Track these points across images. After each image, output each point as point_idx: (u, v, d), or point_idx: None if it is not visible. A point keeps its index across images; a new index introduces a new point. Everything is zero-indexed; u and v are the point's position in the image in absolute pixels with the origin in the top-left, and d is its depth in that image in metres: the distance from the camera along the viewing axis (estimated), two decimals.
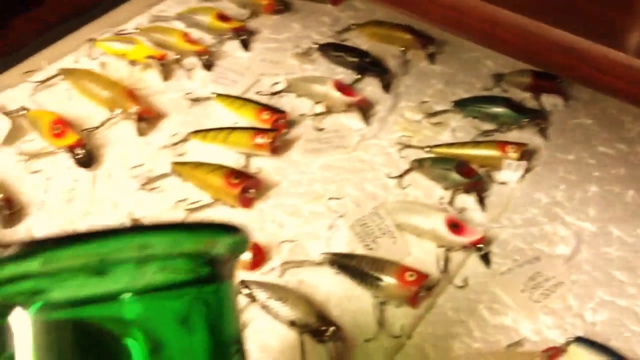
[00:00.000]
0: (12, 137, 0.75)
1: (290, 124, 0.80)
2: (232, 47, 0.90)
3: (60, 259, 0.25)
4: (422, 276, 0.63)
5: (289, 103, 0.83)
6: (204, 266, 0.28)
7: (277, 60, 0.88)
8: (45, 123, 0.73)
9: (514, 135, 0.80)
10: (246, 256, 0.65)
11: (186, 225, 0.28)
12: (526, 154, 0.75)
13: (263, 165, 0.76)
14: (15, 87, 0.81)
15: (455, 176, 0.72)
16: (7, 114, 0.75)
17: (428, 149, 0.77)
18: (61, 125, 0.73)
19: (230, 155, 0.76)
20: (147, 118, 0.77)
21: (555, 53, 0.45)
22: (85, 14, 0.89)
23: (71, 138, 0.73)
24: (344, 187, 0.74)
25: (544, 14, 0.44)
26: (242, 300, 0.62)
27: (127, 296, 0.26)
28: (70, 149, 0.73)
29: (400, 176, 0.75)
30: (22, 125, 0.76)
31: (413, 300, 0.62)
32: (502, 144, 0.75)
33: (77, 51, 0.86)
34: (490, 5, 0.37)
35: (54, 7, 0.99)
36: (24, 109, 0.77)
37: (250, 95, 0.83)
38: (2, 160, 0.74)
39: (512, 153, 0.74)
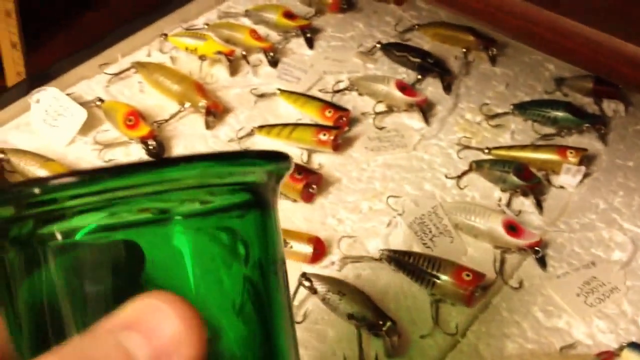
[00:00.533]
0: (88, 126, 0.78)
1: (352, 121, 0.82)
2: (297, 44, 0.92)
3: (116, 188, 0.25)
4: (478, 276, 0.64)
5: (351, 101, 0.85)
6: (244, 193, 0.27)
7: (340, 59, 0.91)
8: (120, 114, 0.77)
9: (573, 139, 0.80)
10: (307, 249, 0.67)
11: (225, 155, 0.27)
12: (585, 159, 0.76)
13: (324, 161, 0.78)
14: (91, 78, 0.85)
15: (513, 179, 0.73)
16: (84, 104, 0.79)
17: (487, 151, 0.78)
18: (134, 117, 0.76)
19: (292, 151, 0.78)
20: (215, 112, 0.80)
21: (622, 65, 0.45)
22: (157, 9, 0.92)
23: (144, 130, 0.76)
24: (403, 185, 0.76)
25: (611, 27, 0.45)
26: (302, 292, 0.65)
27: (177, 219, 0.25)
28: (143, 140, 0.76)
29: (459, 177, 0.76)
30: (97, 115, 0.80)
31: (468, 300, 0.64)
32: (561, 149, 0.76)
33: (149, 45, 0.90)
34: (562, 17, 0.38)
35: (127, 1, 1.03)
36: (99, 99, 0.81)
37: (314, 92, 0.86)
38: (78, 148, 0.78)
39: (572, 158, 0.75)
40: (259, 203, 0.27)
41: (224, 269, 0.26)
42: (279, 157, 0.27)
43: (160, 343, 0.20)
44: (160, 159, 0.25)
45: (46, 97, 0.79)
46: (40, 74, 0.82)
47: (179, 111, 0.81)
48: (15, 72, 0.94)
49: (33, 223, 0.24)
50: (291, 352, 0.30)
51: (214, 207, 0.26)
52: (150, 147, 0.76)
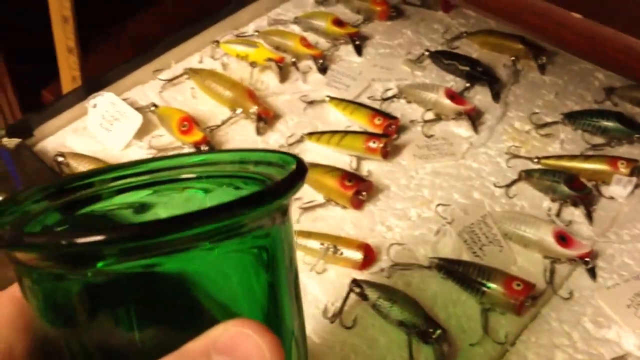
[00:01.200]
0: (143, 131, 0.80)
1: (401, 129, 0.83)
2: (346, 51, 0.93)
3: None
4: (528, 286, 0.64)
5: (399, 109, 0.86)
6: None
7: (388, 66, 0.91)
8: (174, 120, 0.78)
9: (624, 150, 0.80)
10: (358, 256, 0.68)
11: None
12: (636, 170, 0.76)
13: (373, 168, 0.79)
14: (145, 84, 0.87)
15: (564, 189, 0.73)
16: (138, 109, 0.81)
17: (536, 160, 0.78)
18: (188, 123, 0.78)
19: (342, 158, 0.79)
20: (266, 118, 0.82)
21: None
22: (209, 16, 0.94)
23: (197, 135, 0.77)
24: (451, 193, 0.76)
25: None
26: (352, 297, 0.66)
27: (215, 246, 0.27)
28: (196, 145, 0.78)
29: (508, 186, 0.76)
30: (152, 120, 0.82)
31: (518, 309, 0.64)
32: (612, 159, 0.76)
33: (201, 51, 0.92)
34: (625, 35, 0.38)
35: (178, 9, 1.05)
36: (153, 105, 0.82)
37: (362, 99, 0.87)
38: (134, 153, 0.79)
39: (623, 169, 0.75)
40: (278, 220, 0.28)
41: (254, 277, 0.28)
42: (287, 188, 0.27)
43: None
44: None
45: (103, 102, 0.81)
46: (96, 79, 0.85)
47: (231, 117, 0.82)
48: (70, 76, 0.96)
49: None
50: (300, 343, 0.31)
51: (247, 229, 0.26)
52: None
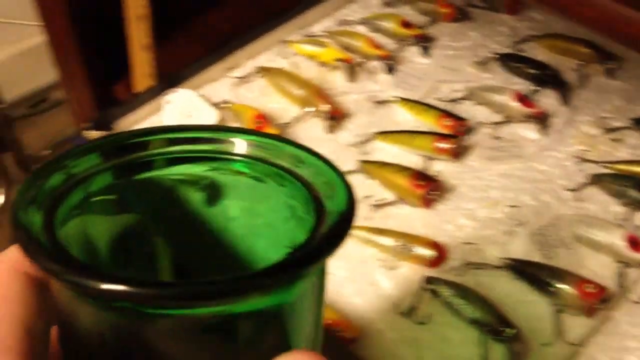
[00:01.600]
0: None
1: (468, 130, 0.84)
2: (413, 52, 0.95)
3: None
4: (600, 289, 0.65)
5: (467, 110, 0.87)
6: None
7: (455, 68, 0.92)
8: (249, 116, 0.81)
9: None
10: (430, 254, 0.69)
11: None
12: None
13: (442, 168, 0.80)
14: (217, 81, 0.90)
15: (634, 193, 0.74)
16: (212, 105, 0.83)
17: (605, 165, 0.79)
18: (262, 120, 0.80)
19: (410, 157, 0.81)
20: (335, 117, 0.83)
21: None
22: (278, 16, 0.96)
23: (271, 131, 0.79)
24: (520, 195, 0.77)
25: None
26: (425, 294, 0.67)
27: None
28: None
29: (578, 189, 0.77)
30: (225, 116, 0.84)
31: (590, 311, 0.65)
32: None
33: (271, 50, 0.94)
34: None
35: (247, 7, 1.07)
36: (227, 102, 0.85)
37: (429, 100, 0.88)
38: None
39: None
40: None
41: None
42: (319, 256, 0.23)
43: None
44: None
45: (179, 98, 0.83)
46: (171, 76, 0.87)
47: (302, 115, 0.84)
48: (143, 72, 0.99)
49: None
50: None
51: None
52: None
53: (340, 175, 0.26)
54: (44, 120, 1.87)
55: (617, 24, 0.62)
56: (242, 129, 0.27)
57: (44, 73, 1.84)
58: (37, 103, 1.90)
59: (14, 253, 0.24)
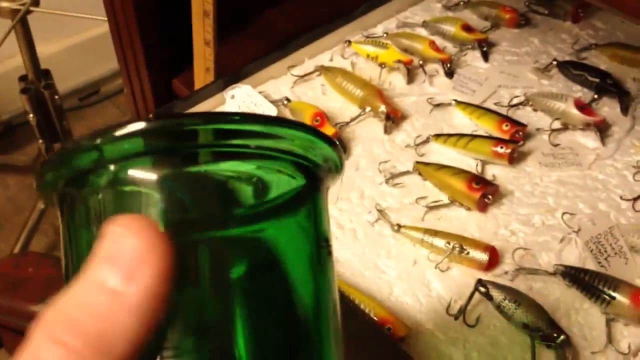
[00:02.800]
0: None
1: (526, 136, 0.84)
2: (473, 57, 0.95)
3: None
4: None
5: (525, 116, 0.87)
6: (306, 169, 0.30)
7: (515, 73, 0.92)
8: (308, 114, 0.82)
9: None
10: (484, 257, 0.70)
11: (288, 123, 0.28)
12: None
13: (498, 173, 0.80)
14: (278, 78, 0.91)
15: None
16: (272, 102, 0.85)
17: None
18: (321, 118, 0.81)
19: (466, 161, 0.81)
20: (393, 118, 0.84)
21: None
22: (340, 17, 0.97)
23: (329, 130, 0.81)
24: (576, 203, 0.77)
25: None
26: (476, 297, 0.67)
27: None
28: None
29: (635, 199, 0.76)
30: (284, 113, 0.86)
31: None
32: None
33: (331, 50, 0.95)
34: None
35: (309, 7, 1.09)
36: (286, 99, 0.86)
37: (488, 105, 0.88)
38: None
39: None
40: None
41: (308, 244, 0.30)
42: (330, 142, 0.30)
43: (125, 266, 0.22)
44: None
45: (240, 94, 0.85)
46: (234, 72, 0.89)
47: (360, 115, 0.85)
48: (204, 67, 1.02)
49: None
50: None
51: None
52: None
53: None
54: (94, 113, 1.92)
55: None
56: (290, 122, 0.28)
57: (96, 66, 1.90)
58: (88, 96, 1.95)
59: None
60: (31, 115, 1.42)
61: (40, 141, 1.48)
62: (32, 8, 1.32)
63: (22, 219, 1.56)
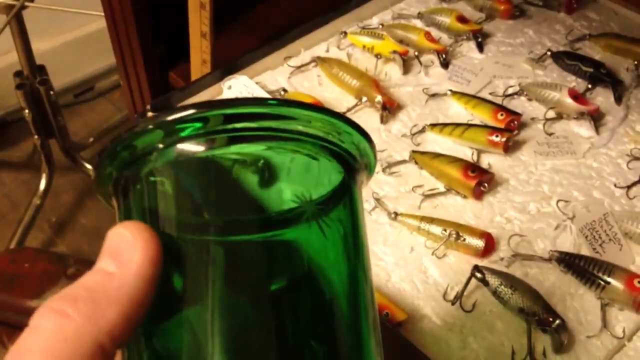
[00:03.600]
0: None
1: (521, 125, 0.84)
2: (468, 47, 0.96)
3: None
4: None
5: (519, 106, 0.87)
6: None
7: (510, 64, 0.93)
8: None
9: None
10: (480, 244, 0.70)
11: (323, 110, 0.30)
12: None
13: (493, 162, 0.81)
14: (275, 69, 0.92)
15: None
16: (269, 93, 0.86)
17: None
18: None
19: (462, 150, 0.82)
20: (390, 108, 0.85)
21: None
22: (336, 8, 0.98)
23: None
24: (571, 191, 0.78)
25: None
26: (473, 283, 0.68)
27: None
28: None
29: (629, 187, 0.77)
30: None
31: (638, 306, 0.65)
32: None
33: (327, 41, 0.96)
34: None
35: (303, 2, 1.09)
36: (283, 90, 0.87)
37: (483, 95, 0.89)
38: None
39: None
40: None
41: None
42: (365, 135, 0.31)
43: (120, 254, 0.27)
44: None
45: (238, 84, 0.86)
46: (230, 63, 0.90)
47: (356, 105, 0.86)
48: (200, 59, 1.02)
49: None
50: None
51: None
52: None
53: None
54: (89, 109, 1.92)
55: None
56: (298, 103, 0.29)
57: (90, 63, 1.90)
58: (83, 92, 1.95)
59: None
60: (26, 111, 1.42)
61: (36, 137, 1.49)
62: (27, 3, 1.32)
63: (18, 215, 1.56)
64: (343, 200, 0.31)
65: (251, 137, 0.29)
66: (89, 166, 1.64)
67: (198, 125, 0.28)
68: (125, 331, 0.26)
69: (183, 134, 0.28)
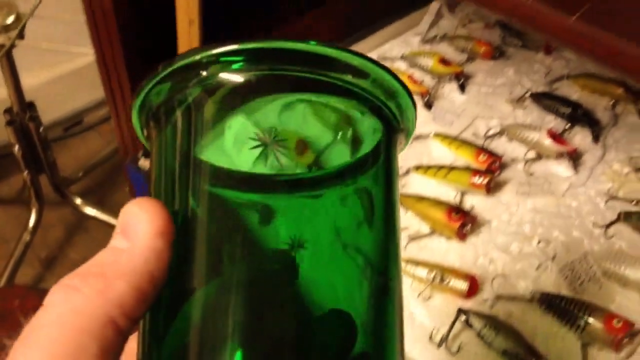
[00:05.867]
0: None
1: (502, 166, 0.87)
2: (450, 89, 0.98)
3: None
4: (628, 324, 0.68)
5: (501, 146, 0.90)
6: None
7: (491, 104, 0.96)
8: (291, 141, 0.85)
9: None
10: (464, 286, 0.73)
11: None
12: None
13: (476, 202, 0.83)
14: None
15: None
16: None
17: (635, 202, 0.81)
18: (304, 145, 0.84)
19: (446, 191, 0.84)
20: None
21: None
22: None
23: (310, 157, 0.83)
24: (551, 230, 0.80)
25: None
26: (458, 325, 0.70)
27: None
28: (308, 166, 0.83)
29: (607, 226, 0.80)
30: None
31: (617, 345, 0.68)
32: None
33: None
34: None
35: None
36: (274, 128, 0.89)
37: (466, 135, 0.91)
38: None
39: None
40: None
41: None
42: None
43: (129, 230, 0.27)
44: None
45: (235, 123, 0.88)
46: None
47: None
48: None
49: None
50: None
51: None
52: None
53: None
54: (78, 143, 1.94)
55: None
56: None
57: (80, 96, 1.92)
58: (72, 126, 1.96)
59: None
60: (16, 147, 1.43)
61: (25, 172, 1.50)
62: (17, 41, 1.34)
63: (8, 250, 1.57)
64: (382, 160, 0.30)
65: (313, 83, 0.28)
66: (78, 201, 1.65)
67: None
68: (138, 305, 0.26)
69: (234, 66, 0.27)
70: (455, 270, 0.74)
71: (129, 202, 0.27)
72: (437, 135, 0.90)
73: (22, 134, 1.43)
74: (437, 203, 0.80)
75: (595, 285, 0.74)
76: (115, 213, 1.59)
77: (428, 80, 1.00)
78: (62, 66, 1.89)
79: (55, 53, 1.77)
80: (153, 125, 0.30)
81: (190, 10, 0.95)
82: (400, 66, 1.02)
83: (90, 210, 1.66)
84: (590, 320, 0.69)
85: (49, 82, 1.86)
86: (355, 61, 0.28)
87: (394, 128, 0.30)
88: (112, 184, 1.80)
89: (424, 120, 0.94)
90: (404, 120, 0.30)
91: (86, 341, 0.24)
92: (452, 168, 0.84)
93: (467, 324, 0.69)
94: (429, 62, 0.99)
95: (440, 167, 0.85)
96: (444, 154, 0.89)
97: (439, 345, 0.69)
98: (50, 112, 1.77)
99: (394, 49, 1.05)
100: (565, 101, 0.93)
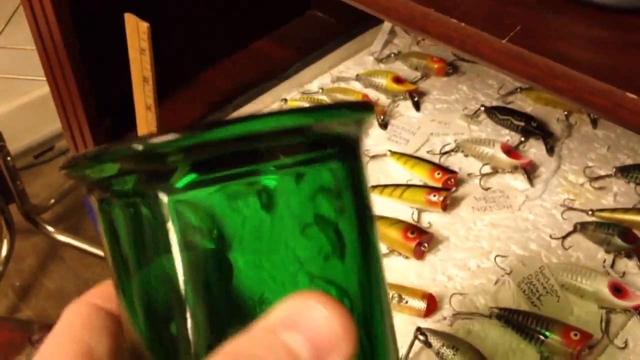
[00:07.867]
0: None
1: (459, 182, 0.87)
2: (405, 107, 0.99)
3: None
4: (586, 336, 0.68)
5: (457, 162, 0.90)
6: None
7: (446, 121, 0.96)
8: None
9: None
10: (421, 305, 0.72)
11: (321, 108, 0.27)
12: None
13: (433, 220, 0.83)
14: None
15: (618, 241, 0.77)
16: None
17: (591, 213, 0.82)
18: None
19: (403, 210, 0.84)
20: None
21: None
22: (276, 75, 1.01)
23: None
24: (509, 244, 0.80)
25: None
26: (417, 345, 0.70)
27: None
28: None
29: (564, 237, 0.80)
30: None
31: (576, 358, 0.68)
32: None
33: (269, 108, 0.98)
34: None
35: (246, 68, 1.12)
36: None
37: (422, 153, 0.92)
38: None
39: None
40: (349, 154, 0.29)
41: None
42: (364, 106, 0.29)
43: (320, 342, 0.21)
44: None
45: None
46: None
47: None
48: (147, 131, 1.04)
49: (137, 179, 0.26)
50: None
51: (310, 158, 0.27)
52: None
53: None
54: (50, 169, 1.92)
55: None
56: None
57: (49, 123, 1.90)
58: (43, 152, 1.95)
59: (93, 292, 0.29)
60: None
61: None
62: None
63: None
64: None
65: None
66: (50, 229, 1.64)
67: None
68: None
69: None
70: (413, 289, 0.74)
71: (314, 296, 0.22)
72: (393, 154, 0.90)
73: None
74: (394, 222, 0.80)
75: (554, 298, 0.74)
76: (89, 240, 1.58)
77: (383, 100, 1.00)
78: (29, 94, 1.88)
79: (21, 82, 1.76)
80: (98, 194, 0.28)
81: (144, 67, 0.95)
82: (355, 86, 1.02)
83: (63, 238, 1.65)
84: (549, 333, 0.69)
85: (16, 110, 1.86)
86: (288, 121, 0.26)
87: (353, 147, 0.29)
88: (85, 210, 1.79)
89: (379, 140, 0.94)
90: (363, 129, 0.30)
91: None
92: (408, 187, 0.84)
93: (426, 343, 0.69)
94: (383, 82, 0.99)
95: (396, 186, 0.85)
96: (400, 172, 0.89)
97: None
98: (19, 139, 1.76)
99: (349, 69, 1.06)
100: (519, 114, 0.94)
